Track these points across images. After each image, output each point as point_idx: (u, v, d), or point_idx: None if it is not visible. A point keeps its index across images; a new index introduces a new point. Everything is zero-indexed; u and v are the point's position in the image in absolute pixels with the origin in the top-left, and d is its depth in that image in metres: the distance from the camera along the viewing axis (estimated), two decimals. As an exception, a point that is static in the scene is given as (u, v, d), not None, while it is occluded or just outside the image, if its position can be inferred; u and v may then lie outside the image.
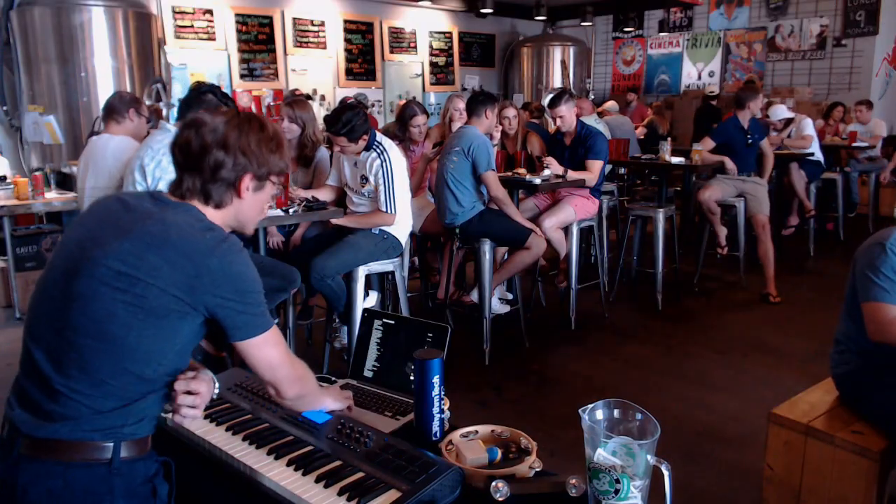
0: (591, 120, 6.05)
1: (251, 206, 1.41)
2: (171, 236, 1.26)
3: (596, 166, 4.39)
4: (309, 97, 7.25)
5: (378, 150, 3.47)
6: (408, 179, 3.68)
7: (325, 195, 3.71)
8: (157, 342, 1.26)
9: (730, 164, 5.12)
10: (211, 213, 1.36)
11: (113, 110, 3.36)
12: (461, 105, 4.47)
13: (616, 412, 1.22)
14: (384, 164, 3.44)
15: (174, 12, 7.27)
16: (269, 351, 1.34)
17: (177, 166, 1.38)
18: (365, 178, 3.53)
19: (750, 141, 5.12)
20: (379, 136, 3.55)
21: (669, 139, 5.62)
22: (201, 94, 2.97)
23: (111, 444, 1.26)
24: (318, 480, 1.32)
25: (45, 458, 1.25)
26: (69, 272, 1.27)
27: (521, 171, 4.47)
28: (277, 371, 1.37)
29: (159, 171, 2.83)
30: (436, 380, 1.48)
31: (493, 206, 4.04)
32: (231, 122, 1.35)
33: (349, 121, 3.36)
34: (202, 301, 1.26)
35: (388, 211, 3.46)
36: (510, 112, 4.88)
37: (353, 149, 3.47)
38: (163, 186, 2.79)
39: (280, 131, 1.44)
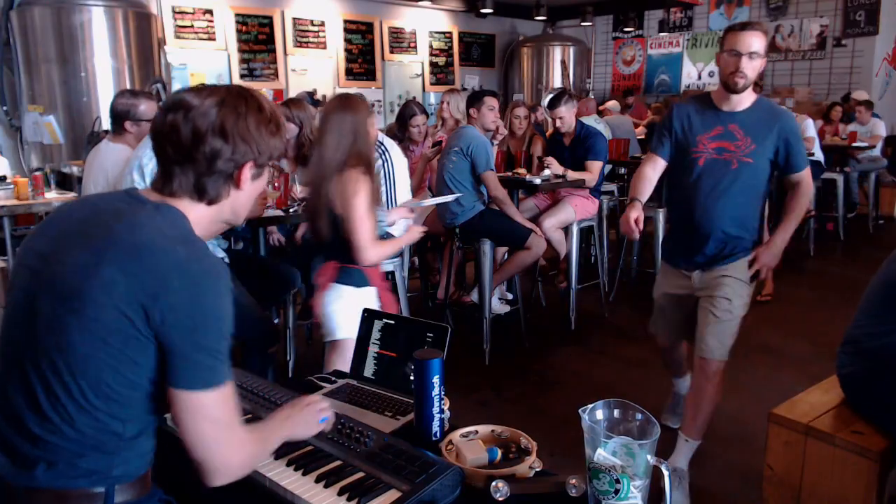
0: (592, 120, 6.05)
1: (248, 195, 1.24)
2: (138, 245, 1.07)
3: (595, 167, 4.39)
4: (318, 102, 7.18)
5: (379, 150, 3.47)
6: (408, 179, 3.68)
7: None
8: (123, 376, 1.07)
9: None
10: (202, 211, 1.19)
11: (112, 122, 3.34)
12: (447, 98, 4.68)
13: (616, 412, 1.22)
14: (385, 163, 3.44)
15: (174, 12, 7.27)
16: (207, 413, 1.08)
17: (163, 158, 1.17)
18: (365, 178, 3.53)
19: None
20: (380, 136, 3.56)
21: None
22: None
23: (102, 490, 1.10)
24: (318, 480, 1.32)
25: None
26: (34, 291, 1.11)
27: (521, 171, 4.48)
28: (210, 446, 1.10)
29: None
30: (436, 380, 1.48)
31: (493, 206, 4.05)
32: (226, 103, 1.15)
33: None
34: (155, 328, 1.05)
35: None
36: (521, 112, 4.93)
37: None
38: None
39: (275, 107, 1.26)
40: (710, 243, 2.52)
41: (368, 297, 2.39)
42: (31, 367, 1.09)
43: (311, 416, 1.36)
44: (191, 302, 1.06)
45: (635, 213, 2.51)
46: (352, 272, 2.36)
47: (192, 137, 1.13)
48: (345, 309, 2.32)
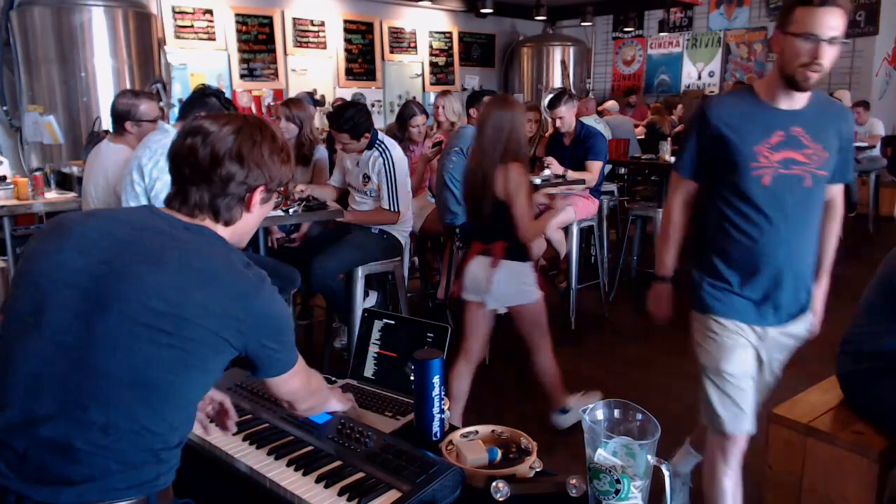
0: (592, 120, 6.05)
1: (255, 218, 1.32)
2: (216, 272, 1.16)
3: (595, 167, 4.39)
4: (318, 102, 7.19)
5: (380, 149, 3.47)
6: (409, 178, 3.68)
7: (325, 194, 3.71)
8: (198, 386, 1.19)
9: None
10: (221, 232, 1.27)
11: (113, 122, 3.34)
12: (441, 101, 4.65)
13: (616, 412, 1.22)
14: (386, 162, 3.44)
15: (174, 12, 7.27)
16: (293, 382, 1.33)
17: (179, 178, 1.24)
18: (367, 177, 3.53)
19: None
20: (381, 136, 3.56)
21: (669, 139, 5.62)
22: (205, 96, 2.97)
23: (145, 498, 1.15)
24: (318, 480, 1.32)
25: None
26: (89, 312, 1.11)
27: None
28: (297, 394, 1.38)
29: (157, 172, 2.83)
30: (436, 380, 1.48)
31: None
32: (243, 130, 1.24)
33: (352, 118, 3.38)
34: (245, 344, 1.19)
35: (391, 209, 3.46)
36: (532, 116, 4.95)
37: (354, 146, 3.47)
38: (160, 186, 2.78)
39: (286, 139, 1.36)
40: (789, 291, 1.91)
41: (529, 270, 2.74)
42: (89, 388, 1.10)
43: (344, 396, 1.60)
44: (271, 316, 1.21)
45: (666, 301, 2.11)
46: (518, 249, 2.71)
47: (209, 160, 1.21)
48: (514, 280, 2.70)
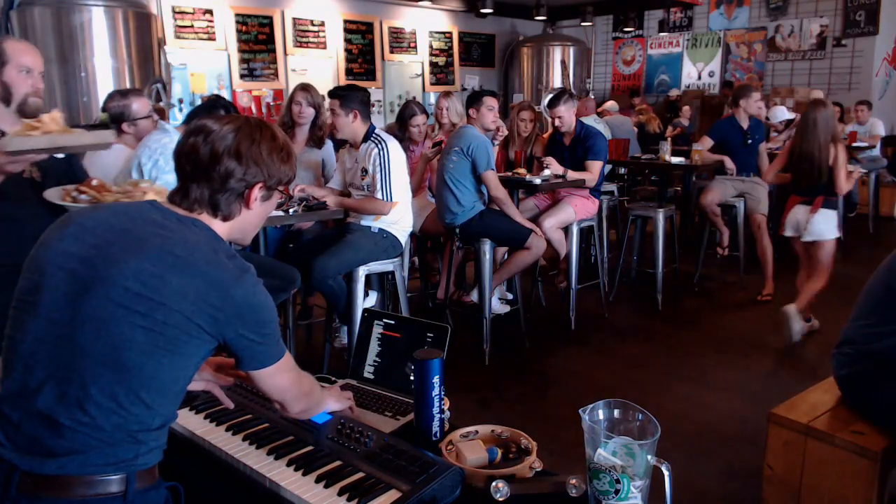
0: (591, 120, 6.05)
1: (257, 215, 1.36)
2: (196, 261, 1.19)
3: (595, 167, 4.39)
4: None
5: (376, 141, 3.48)
6: (407, 176, 3.68)
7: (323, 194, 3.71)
8: (174, 370, 1.20)
9: (729, 163, 5.12)
10: (218, 226, 1.31)
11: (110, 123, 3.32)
12: (444, 103, 4.64)
13: (616, 412, 1.22)
14: (381, 152, 3.44)
15: (174, 12, 7.27)
16: (280, 377, 1.33)
17: (182, 175, 1.30)
18: (365, 171, 3.53)
19: (749, 141, 5.10)
20: (378, 130, 3.57)
21: (669, 139, 5.62)
22: (214, 108, 2.98)
23: (124, 476, 1.19)
24: (318, 480, 1.32)
25: (51, 496, 1.15)
26: (76, 293, 1.17)
27: (521, 171, 4.48)
28: (286, 393, 1.37)
29: (156, 172, 2.83)
30: (436, 380, 1.48)
31: (493, 206, 4.04)
32: (242, 129, 1.30)
33: (346, 88, 3.51)
34: (222, 332, 1.21)
35: (385, 199, 3.45)
36: (527, 115, 4.93)
37: (342, 121, 3.46)
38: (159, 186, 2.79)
39: (288, 140, 1.39)
40: None
41: (836, 215, 4.06)
42: (72, 365, 1.16)
43: (342, 395, 1.61)
44: (251, 307, 1.22)
45: None
46: (832, 201, 4.03)
47: (209, 157, 1.27)
48: (829, 222, 4.02)
